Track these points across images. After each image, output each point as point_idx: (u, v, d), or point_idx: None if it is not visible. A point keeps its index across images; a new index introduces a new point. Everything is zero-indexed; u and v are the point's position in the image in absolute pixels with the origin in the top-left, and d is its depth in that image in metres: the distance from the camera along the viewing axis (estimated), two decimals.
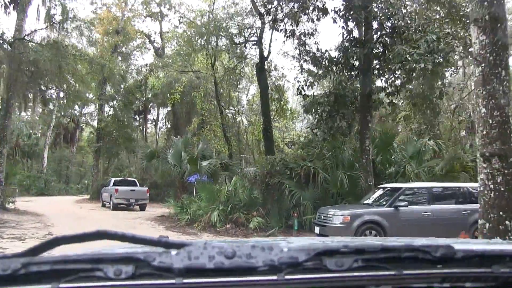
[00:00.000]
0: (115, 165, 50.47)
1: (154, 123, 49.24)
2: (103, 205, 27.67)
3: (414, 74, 15.44)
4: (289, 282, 0.91)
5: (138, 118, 42.86)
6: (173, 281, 0.89)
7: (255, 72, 24.25)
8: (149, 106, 42.91)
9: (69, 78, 21.09)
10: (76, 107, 50.45)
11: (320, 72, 15.83)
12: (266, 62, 23.90)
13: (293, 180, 15.15)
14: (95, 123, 43.32)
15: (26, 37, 19.94)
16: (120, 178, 28.75)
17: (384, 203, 11.79)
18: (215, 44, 23.86)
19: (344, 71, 16.20)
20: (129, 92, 38.55)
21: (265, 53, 23.68)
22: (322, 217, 11.79)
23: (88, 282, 0.90)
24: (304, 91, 16.17)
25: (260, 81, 23.47)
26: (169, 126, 42.74)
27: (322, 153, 16.73)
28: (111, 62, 23.47)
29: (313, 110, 16.26)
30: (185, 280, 0.89)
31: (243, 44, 23.79)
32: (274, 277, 0.90)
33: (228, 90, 25.06)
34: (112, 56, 29.20)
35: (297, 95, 16.58)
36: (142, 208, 25.55)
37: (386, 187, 12.86)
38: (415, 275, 0.96)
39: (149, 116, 46.48)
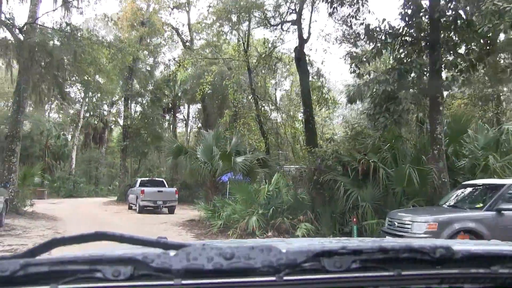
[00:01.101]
0: (145, 165, 48.83)
1: (184, 121, 47.17)
2: (130, 208, 25.57)
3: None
4: (288, 283, 0.91)
5: (167, 116, 40.70)
6: (171, 282, 0.89)
7: (293, 58, 21.56)
8: (178, 103, 40.69)
9: (87, 67, 18.88)
10: (105, 106, 49.18)
11: (379, 45, 12.96)
12: (306, 46, 21.25)
13: (348, 177, 12.38)
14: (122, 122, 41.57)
15: (38, 23, 17.82)
16: (147, 178, 26.57)
17: (480, 205, 8.90)
18: (247, 25, 21.29)
19: (407, 46, 13.28)
20: (157, 88, 36.44)
21: (305, 36, 21.07)
22: (396, 224, 9.00)
23: (87, 283, 0.89)
24: (359, 69, 13.33)
25: (299, 67, 20.84)
26: (199, 125, 40.49)
27: (377, 145, 13.87)
28: (131, 46, 21.20)
29: (370, 94, 13.44)
30: (184, 281, 0.89)
31: (280, 26, 21.14)
32: (273, 278, 0.90)
33: (264, 79, 22.36)
34: (136, 44, 26.81)
35: (351, 73, 13.73)
36: (171, 210, 23.31)
37: (476, 184, 9.93)
38: (413, 276, 0.95)
39: (179, 116, 44.53)
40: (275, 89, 22.59)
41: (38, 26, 17.81)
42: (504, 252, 1.05)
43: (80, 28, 18.21)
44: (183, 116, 45.02)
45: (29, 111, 42.96)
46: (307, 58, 21.41)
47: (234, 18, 24.33)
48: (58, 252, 1.04)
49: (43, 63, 18.09)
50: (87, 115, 49.85)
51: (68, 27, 17.14)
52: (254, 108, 21.74)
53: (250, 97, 22.58)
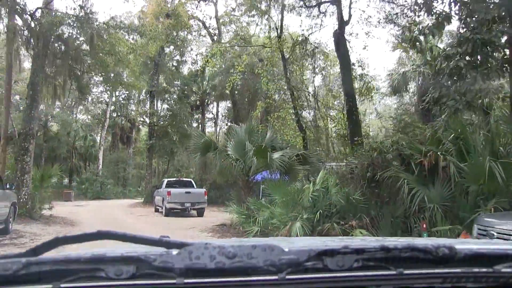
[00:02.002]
0: (174, 166, 47.37)
1: (213, 120, 45.40)
2: (156, 210, 23.91)
3: None
4: (290, 282, 0.91)
5: (195, 115, 38.95)
6: (174, 281, 0.89)
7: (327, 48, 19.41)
8: (207, 100, 38.94)
9: (106, 56, 17.18)
10: (132, 106, 47.92)
11: (444, 13, 10.67)
12: (346, 30, 19.09)
13: (411, 173, 10.15)
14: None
15: (51, 8, 16.19)
16: (174, 179, 24.82)
17: None
18: (280, 8, 19.25)
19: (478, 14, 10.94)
20: (185, 85, 34.75)
21: (345, 17, 18.91)
22: (495, 234, 6.78)
23: (89, 282, 0.90)
24: (420, 44, 11.08)
25: (339, 52, 18.67)
26: (228, 123, 38.60)
27: (437, 136, 11.55)
28: (153, 30, 19.41)
29: (435, 70, 11.18)
30: (186, 280, 0.89)
31: (317, 7, 19.01)
32: (275, 277, 0.90)
33: (301, 67, 20.20)
34: (161, 35, 25.02)
35: (412, 48, 11.45)
36: (200, 213, 21.52)
37: None
38: (416, 275, 0.94)
39: (207, 115, 42.75)
40: (313, 79, 20.36)
41: (52, 11, 16.19)
42: (507, 251, 1.04)
43: (95, 11, 16.55)
44: (212, 114, 43.24)
45: (46, 108, 42.43)
46: (347, 43, 19.22)
47: (264, 6, 22.46)
48: (60, 251, 1.03)
49: (57, 53, 16.48)
50: (114, 115, 48.82)
51: (82, 10, 15.45)
52: (290, 100, 19.65)
53: (285, 88, 20.44)
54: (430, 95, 11.34)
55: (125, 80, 19.46)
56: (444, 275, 0.95)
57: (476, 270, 0.96)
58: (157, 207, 23.73)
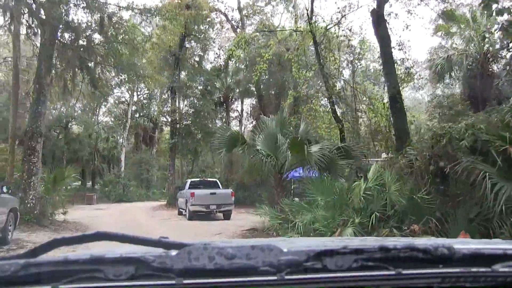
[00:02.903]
0: (198, 166, 45.80)
1: (238, 119, 43.57)
2: (180, 213, 22.23)
3: None
4: (289, 282, 0.91)
5: (218, 111, 37.15)
6: (173, 281, 0.89)
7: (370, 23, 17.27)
8: (231, 95, 37.10)
9: (119, 44, 15.52)
10: (155, 106, 46.57)
11: None
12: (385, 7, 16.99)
13: (493, 166, 8.05)
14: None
15: None
16: (198, 179, 23.07)
17: None
18: None
19: None
20: (208, 80, 33.04)
21: None
22: None
23: (88, 283, 0.90)
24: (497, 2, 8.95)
25: (378, 33, 16.56)
26: (254, 121, 36.71)
27: (506, 122, 9.38)
28: (171, 16, 17.66)
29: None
30: (185, 281, 0.89)
31: None
32: (274, 278, 0.90)
33: (333, 52, 18.13)
34: (180, 26, 23.29)
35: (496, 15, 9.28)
36: (227, 216, 19.73)
37: None
38: (414, 275, 0.94)
39: (232, 113, 40.98)
40: (351, 65, 18.20)
41: None
42: (505, 251, 1.02)
43: None
44: (237, 112, 41.40)
45: (67, 109, 41.45)
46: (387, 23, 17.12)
47: None
48: (59, 253, 1.06)
49: (66, 42, 14.91)
50: (137, 115, 47.60)
51: None
52: (323, 89, 17.65)
53: (317, 76, 18.42)
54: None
55: (141, 71, 17.72)
56: (443, 275, 0.95)
57: (474, 269, 0.95)
58: (180, 209, 22.07)
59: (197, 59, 33.68)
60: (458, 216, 8.26)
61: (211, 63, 35.03)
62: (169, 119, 33.26)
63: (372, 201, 8.81)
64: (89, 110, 48.62)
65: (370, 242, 1.51)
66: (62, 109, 43.13)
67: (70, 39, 15.44)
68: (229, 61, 35.66)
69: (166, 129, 49.72)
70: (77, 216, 19.40)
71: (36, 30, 14.55)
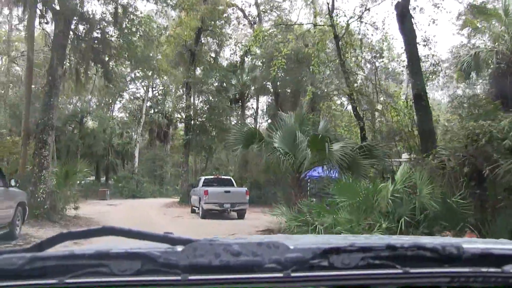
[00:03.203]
0: (212, 164, 45.34)
1: (253, 117, 42.96)
2: (193, 211, 21.73)
3: None
4: (295, 280, 0.90)
5: (234, 108, 36.57)
6: (178, 277, 0.89)
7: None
8: (247, 92, 36.49)
9: (134, 39, 15.04)
10: (170, 102, 46.20)
11: None
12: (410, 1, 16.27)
13: None
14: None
15: None
16: (212, 177, 22.53)
17: None
18: None
19: None
20: (223, 76, 32.49)
21: None
22: None
23: (94, 277, 0.89)
24: None
25: (403, 27, 15.83)
26: (269, 120, 36.06)
27: None
28: (187, 6, 17.06)
29: None
30: (191, 277, 0.89)
31: None
32: (280, 275, 0.89)
33: (354, 46, 17.37)
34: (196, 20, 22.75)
35: None
36: (240, 215, 19.19)
37: None
38: (422, 274, 0.93)
39: (247, 111, 40.33)
40: (373, 60, 17.44)
41: None
42: None
43: None
44: (253, 109, 40.79)
45: (82, 104, 41.25)
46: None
47: None
48: (65, 247, 1.05)
49: (80, 33, 14.47)
50: (151, 111, 47.30)
51: None
52: (342, 86, 16.95)
53: (335, 72, 17.73)
54: None
55: (156, 64, 17.19)
56: (451, 275, 0.93)
57: (484, 270, 0.94)
58: (193, 207, 21.58)
59: (213, 55, 33.21)
60: (497, 224, 7.58)
61: (227, 59, 34.53)
62: (184, 116, 32.76)
63: (400, 205, 8.15)
64: (104, 105, 48.51)
65: (377, 240, 1.51)
66: (77, 104, 43.08)
67: (84, 30, 14.99)
68: (245, 57, 35.19)
69: (181, 125, 49.40)
70: (88, 211, 19.02)
71: (48, 21, 14.10)
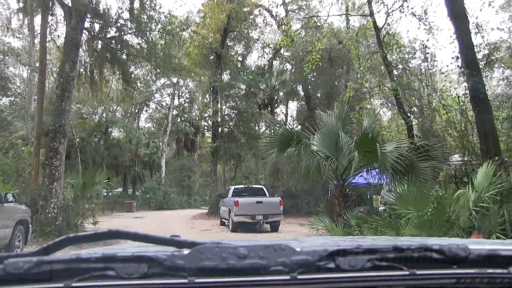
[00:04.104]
0: (242, 172, 43.82)
1: (282, 122, 41.22)
2: (222, 223, 20.15)
3: None
4: (302, 282, 0.90)
5: (262, 113, 34.94)
6: (185, 280, 0.89)
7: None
8: (276, 97, 34.82)
9: (153, 35, 13.65)
10: (196, 110, 45.03)
11: None
12: None
13: None
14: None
15: None
16: (242, 186, 20.88)
17: None
18: None
19: None
20: (252, 80, 30.96)
21: None
22: None
23: (101, 281, 0.90)
24: None
25: (454, 13, 13.94)
26: (299, 126, 34.23)
27: None
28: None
29: None
30: (197, 280, 0.89)
31: None
32: (287, 277, 0.89)
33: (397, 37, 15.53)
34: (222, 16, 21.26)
35: None
36: (274, 228, 17.51)
37: None
38: (428, 275, 0.93)
39: (276, 117, 38.64)
40: (423, 49, 15.41)
41: None
42: None
43: None
44: (283, 114, 39.10)
45: (107, 114, 40.32)
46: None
47: None
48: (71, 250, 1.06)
49: (94, 30, 13.15)
50: (178, 120, 46.19)
51: None
52: (387, 80, 15.08)
53: (376, 67, 15.88)
54: None
55: (178, 62, 15.75)
56: (457, 276, 0.93)
57: (490, 271, 0.94)
58: (223, 219, 19.99)
59: (239, 58, 31.78)
60: None
61: (254, 62, 33.05)
62: (211, 123, 31.35)
63: (486, 218, 6.31)
64: (130, 115, 47.75)
65: (383, 241, 1.51)
66: (103, 114, 42.38)
67: (98, 27, 13.68)
68: (273, 60, 33.65)
69: (208, 134, 48.16)
70: (111, 225, 17.72)
71: (58, 19, 12.86)
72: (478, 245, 1.10)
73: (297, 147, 10.29)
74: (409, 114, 14.63)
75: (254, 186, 21.44)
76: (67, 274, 0.89)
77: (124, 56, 14.70)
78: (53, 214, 12.24)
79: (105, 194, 43.39)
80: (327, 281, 0.91)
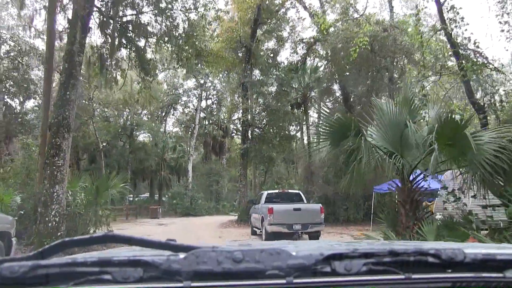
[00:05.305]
0: (272, 177, 41.58)
1: (315, 124, 38.74)
2: (253, 233, 17.94)
3: None
4: (298, 286, 0.90)
5: (295, 113, 32.55)
6: (181, 284, 0.88)
7: None
8: (309, 95, 32.39)
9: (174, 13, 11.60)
10: (224, 112, 43.16)
11: None
12: None
13: None
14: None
15: None
16: (276, 191, 18.58)
17: None
18: None
19: None
20: (284, 77, 28.69)
21: None
22: None
23: (96, 285, 0.89)
24: None
25: None
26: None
27: None
28: None
29: None
30: (193, 284, 0.88)
31: None
32: (283, 281, 0.89)
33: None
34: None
35: None
36: (314, 239, 15.14)
37: None
38: (424, 280, 0.94)
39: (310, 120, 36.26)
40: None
41: None
42: None
43: None
44: (317, 113, 36.66)
45: (132, 116, 38.68)
46: None
47: None
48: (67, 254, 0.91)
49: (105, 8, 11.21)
50: (205, 123, 44.35)
51: None
52: (454, 64, 12.59)
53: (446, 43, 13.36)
54: None
55: (204, 47, 13.65)
56: (453, 280, 0.93)
57: (486, 275, 0.94)
58: (254, 228, 17.77)
59: (270, 54, 29.57)
60: None
61: (286, 58, 30.79)
62: (240, 123, 29.23)
63: None
64: (157, 118, 46.27)
65: (379, 246, 1.48)
66: (128, 116, 40.96)
67: (111, 7, 11.72)
68: (307, 56, 31.38)
69: (237, 138, 46.12)
70: (131, 233, 15.68)
71: None
72: (473, 249, 1.10)
73: (355, 139, 7.92)
74: (482, 103, 12.07)
75: (289, 191, 19.12)
76: (63, 278, 0.87)
77: (141, 42, 12.68)
78: (54, 223, 10.22)
79: (131, 199, 41.94)
80: (323, 285, 0.90)
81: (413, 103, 9.42)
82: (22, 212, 11.45)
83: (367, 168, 8.32)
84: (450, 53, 12.51)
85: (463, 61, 11.70)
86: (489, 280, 0.94)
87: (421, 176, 8.45)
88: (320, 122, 8.89)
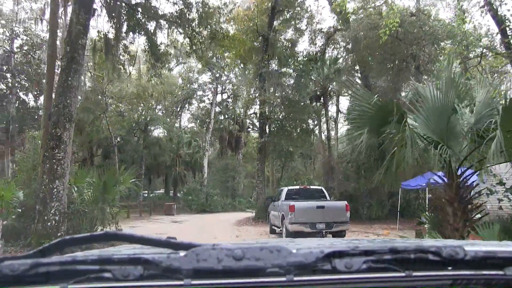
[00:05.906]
0: (288, 174, 40.42)
1: (332, 119, 37.42)
2: (272, 231, 16.83)
3: None
4: (298, 284, 0.90)
5: (314, 107, 31.27)
6: (181, 282, 0.88)
7: None
8: (329, 88, 31.07)
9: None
10: (240, 107, 42.08)
11: None
12: None
13: None
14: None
15: None
16: (297, 187, 17.40)
17: None
18: None
19: None
20: (302, 71, 27.44)
21: None
22: None
23: (97, 283, 0.89)
24: None
25: None
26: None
27: None
28: None
29: None
30: (193, 282, 0.88)
31: None
32: (283, 279, 0.89)
33: None
34: None
35: None
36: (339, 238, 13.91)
37: None
38: (424, 277, 0.93)
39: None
40: None
41: None
42: None
43: None
44: (337, 108, 35.38)
45: (146, 110, 37.82)
46: None
47: None
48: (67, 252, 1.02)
49: None
50: (221, 118, 43.32)
51: None
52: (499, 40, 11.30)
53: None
54: None
55: (220, 29, 12.54)
56: (453, 277, 0.93)
57: (486, 272, 0.93)
58: (273, 227, 16.66)
59: (289, 45, 28.34)
60: None
61: (305, 49, 29.54)
62: (257, 117, 28.08)
63: None
64: (172, 113, 45.42)
65: (380, 243, 1.46)
66: (142, 111, 40.13)
67: None
68: (326, 47, 30.12)
69: (253, 133, 45.00)
70: (144, 231, 14.73)
71: None
72: (474, 246, 1.08)
73: (399, 125, 6.71)
74: None
75: (311, 187, 17.91)
76: (63, 276, 0.86)
77: (151, 25, 11.62)
78: (53, 222, 9.26)
79: (145, 195, 41.22)
80: (323, 282, 0.90)
81: (460, 85, 8.17)
82: (20, 210, 10.51)
83: (411, 160, 7.14)
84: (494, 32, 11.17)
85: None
86: (489, 278, 0.92)
87: (470, 170, 7.24)
88: (354, 104, 7.52)
